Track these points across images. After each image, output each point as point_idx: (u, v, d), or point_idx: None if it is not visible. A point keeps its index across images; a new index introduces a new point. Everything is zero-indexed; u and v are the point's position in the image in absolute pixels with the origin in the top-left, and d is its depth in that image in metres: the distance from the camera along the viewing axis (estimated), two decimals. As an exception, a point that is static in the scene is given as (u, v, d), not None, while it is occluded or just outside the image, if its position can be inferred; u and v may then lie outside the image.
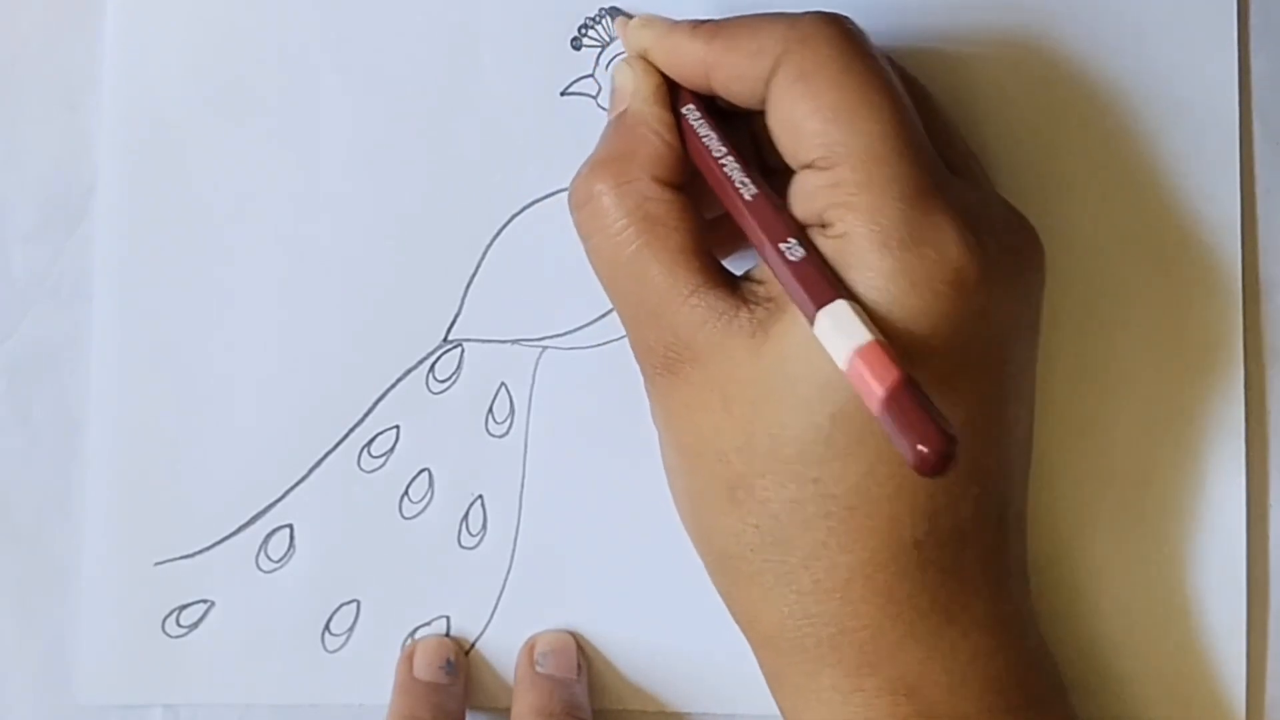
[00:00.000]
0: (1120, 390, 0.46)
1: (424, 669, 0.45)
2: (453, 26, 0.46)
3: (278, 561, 0.46)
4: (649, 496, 0.45)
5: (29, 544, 0.47)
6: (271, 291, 0.46)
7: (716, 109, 0.42)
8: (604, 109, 0.46)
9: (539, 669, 0.45)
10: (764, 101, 0.39)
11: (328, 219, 0.46)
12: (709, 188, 0.40)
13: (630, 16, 0.44)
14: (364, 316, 0.46)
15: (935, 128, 0.41)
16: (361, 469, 0.46)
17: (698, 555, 0.42)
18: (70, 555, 0.46)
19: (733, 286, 0.39)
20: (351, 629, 0.46)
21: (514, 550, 0.46)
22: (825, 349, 0.35)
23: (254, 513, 0.46)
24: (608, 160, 0.41)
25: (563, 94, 0.46)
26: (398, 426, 0.46)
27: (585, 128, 0.46)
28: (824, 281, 0.36)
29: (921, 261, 0.36)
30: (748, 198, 0.39)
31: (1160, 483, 0.46)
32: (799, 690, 0.40)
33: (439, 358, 0.46)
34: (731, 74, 0.40)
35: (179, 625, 0.46)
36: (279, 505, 0.46)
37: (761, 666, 0.42)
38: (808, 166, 0.38)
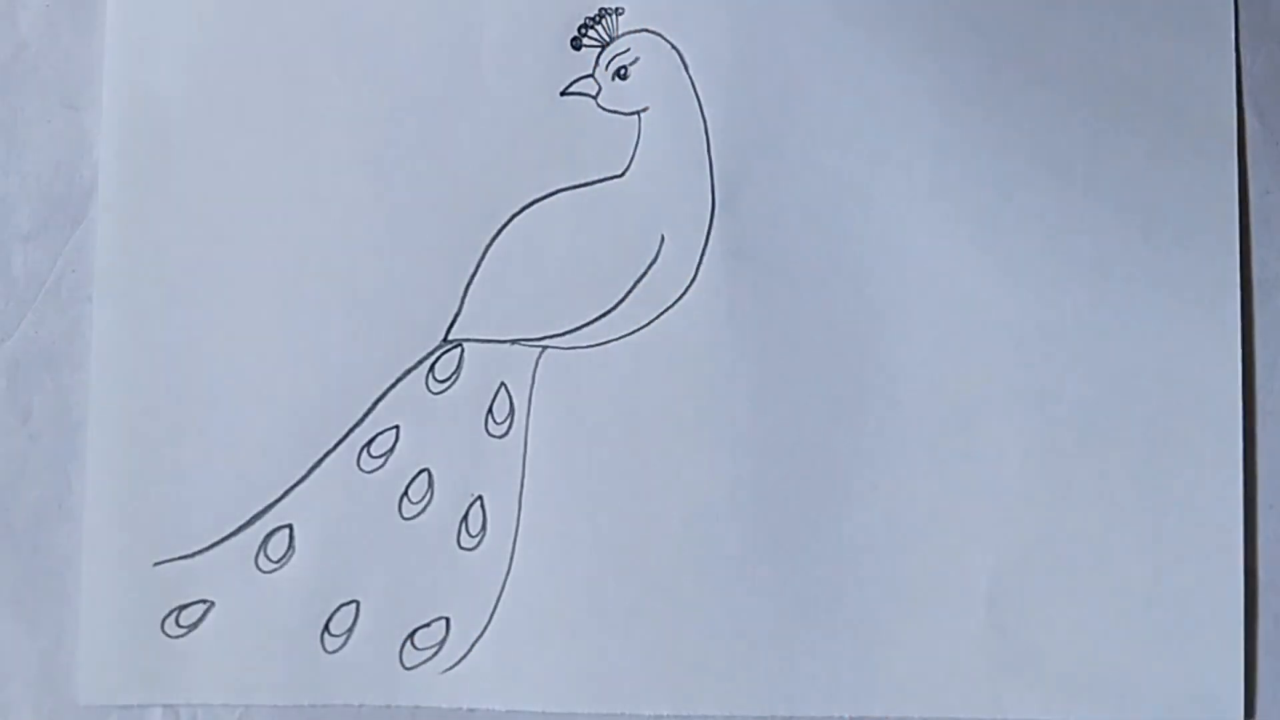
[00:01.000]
0: (1119, 389, 0.46)
1: None
2: (453, 27, 0.46)
3: (277, 562, 0.46)
4: (649, 496, 0.45)
5: (29, 544, 0.47)
6: (271, 292, 0.46)
7: None
8: (604, 108, 0.46)
9: None
10: None
11: (327, 219, 0.46)
12: None
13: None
14: (363, 317, 0.46)
15: None
16: (361, 469, 0.46)
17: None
18: (70, 555, 0.46)
19: None
20: (351, 629, 0.46)
21: (513, 550, 0.46)
22: None
23: (253, 513, 0.46)
24: None
25: (562, 94, 0.46)
26: (397, 427, 0.46)
27: (585, 127, 0.46)
28: None
29: None
30: None
31: (1159, 482, 0.46)
32: None
33: (439, 358, 0.46)
34: None
35: (179, 625, 0.46)
36: (278, 506, 0.46)
37: None
38: None
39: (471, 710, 0.46)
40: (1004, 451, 0.46)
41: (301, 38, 0.46)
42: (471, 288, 0.46)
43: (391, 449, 0.46)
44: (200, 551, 0.46)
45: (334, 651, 0.46)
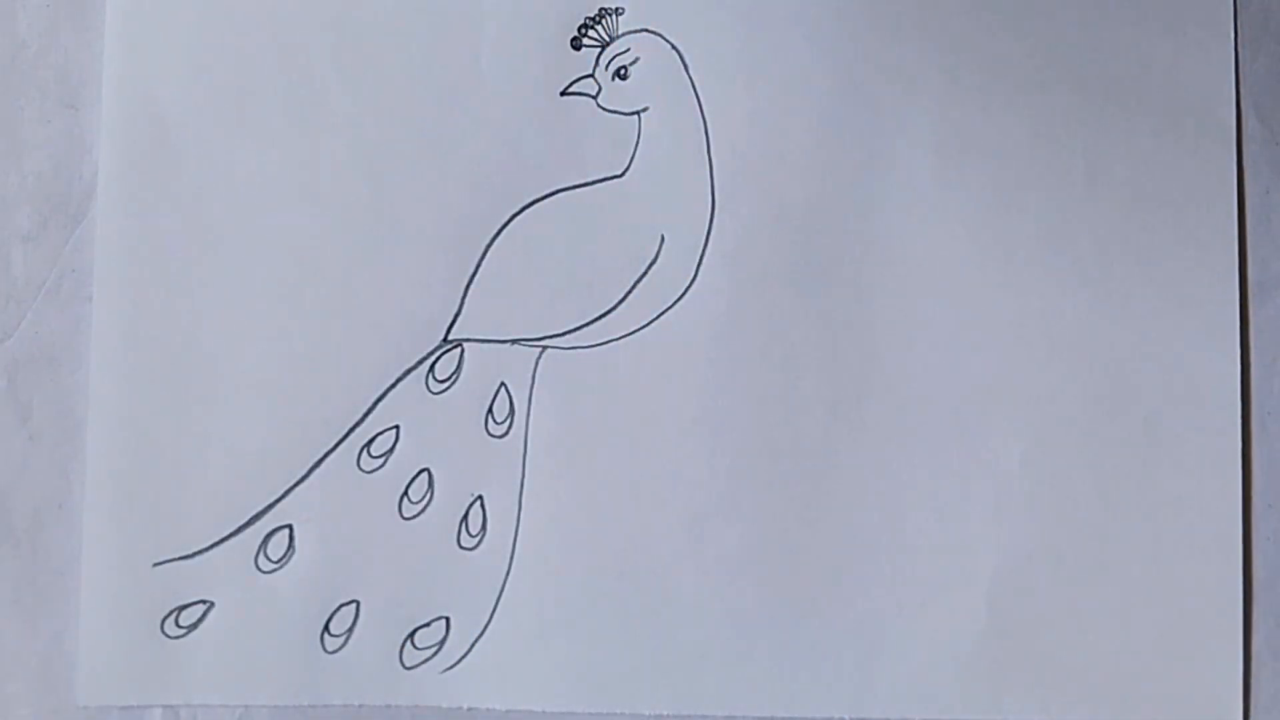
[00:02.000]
0: (1119, 389, 0.46)
1: None
2: (453, 26, 0.46)
3: (277, 562, 0.46)
4: (648, 496, 0.45)
5: (29, 544, 0.47)
6: (270, 291, 0.46)
7: None
8: (604, 108, 0.46)
9: None
10: None
11: (327, 219, 0.46)
12: None
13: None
14: (363, 317, 0.46)
15: None
16: (361, 469, 0.46)
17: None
18: (70, 556, 0.46)
19: None
20: (351, 629, 0.46)
21: (513, 550, 0.46)
22: None
23: (253, 513, 0.46)
24: None
25: (562, 94, 0.46)
26: (397, 427, 0.46)
27: (585, 127, 0.46)
28: None
29: None
30: None
31: (1158, 482, 0.46)
32: None
33: (439, 358, 0.46)
34: None
35: (178, 626, 0.46)
36: (278, 506, 0.46)
37: None
38: None
39: (471, 710, 0.46)
40: (1004, 451, 0.46)
41: (301, 37, 0.46)
42: (471, 288, 0.46)
43: (391, 449, 0.46)
44: (200, 552, 0.46)
45: (334, 651, 0.46)
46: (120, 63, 0.47)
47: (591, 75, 0.46)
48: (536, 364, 0.46)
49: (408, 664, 0.46)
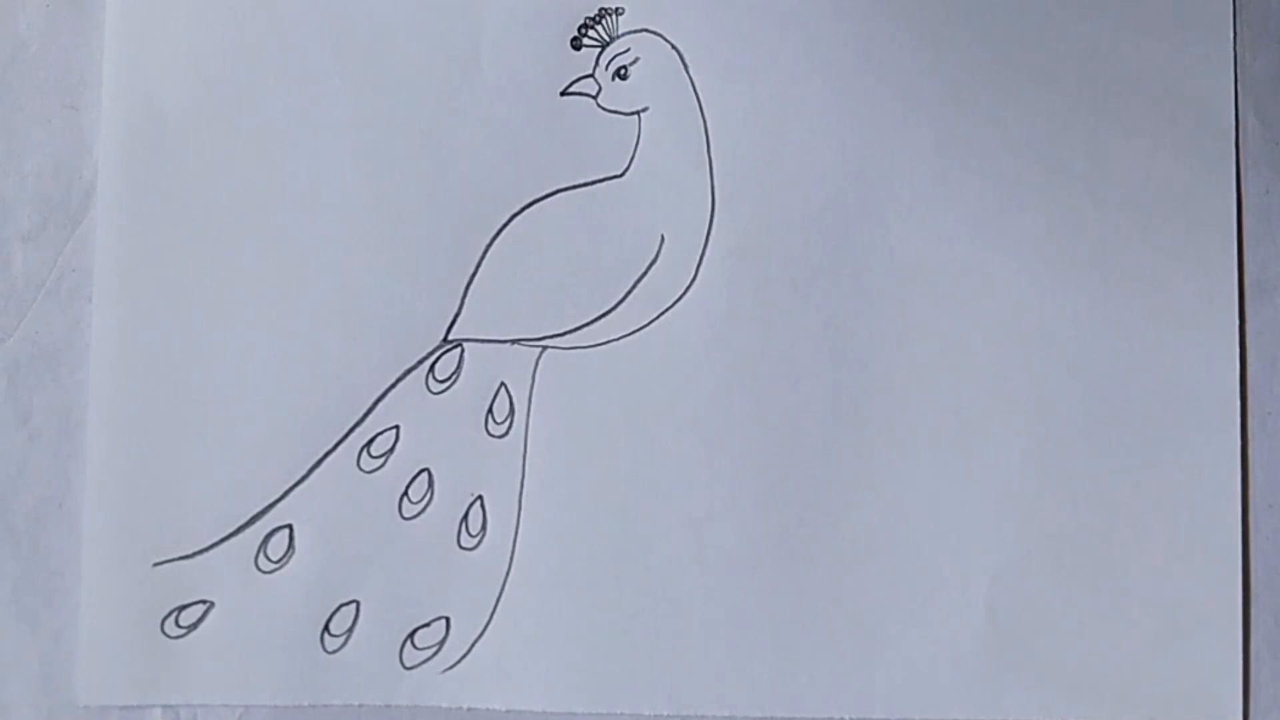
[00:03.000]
0: (1118, 389, 0.46)
1: None
2: (453, 26, 0.46)
3: (277, 562, 0.46)
4: (649, 496, 0.45)
5: (29, 544, 0.47)
6: (271, 291, 0.46)
7: None
8: (604, 108, 0.46)
9: None
10: None
11: (327, 219, 0.46)
12: None
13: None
14: (363, 317, 0.46)
15: None
16: (361, 469, 0.46)
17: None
18: (70, 556, 0.46)
19: None
20: (351, 629, 0.46)
21: (513, 550, 0.46)
22: None
23: (253, 513, 0.46)
24: None
25: (562, 94, 0.46)
26: (397, 427, 0.46)
27: (585, 127, 0.46)
28: None
29: None
30: None
31: (1157, 481, 0.46)
32: None
33: (439, 358, 0.46)
34: None
35: (178, 626, 0.46)
36: (278, 506, 0.46)
37: None
38: None
39: (471, 710, 0.46)
40: (1003, 451, 0.46)
41: (301, 37, 0.46)
42: (471, 288, 0.46)
43: (391, 449, 0.46)
44: (200, 552, 0.46)
45: (334, 651, 0.46)
46: (120, 63, 0.47)
47: (591, 75, 0.46)
48: (536, 364, 0.46)
49: (408, 664, 0.46)
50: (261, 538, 0.46)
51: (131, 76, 0.47)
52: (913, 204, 0.46)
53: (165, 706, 0.46)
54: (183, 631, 0.46)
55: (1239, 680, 0.46)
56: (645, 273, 0.46)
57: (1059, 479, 0.46)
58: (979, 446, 0.46)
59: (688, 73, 0.46)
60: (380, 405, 0.46)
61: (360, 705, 0.46)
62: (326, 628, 0.46)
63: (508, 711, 0.46)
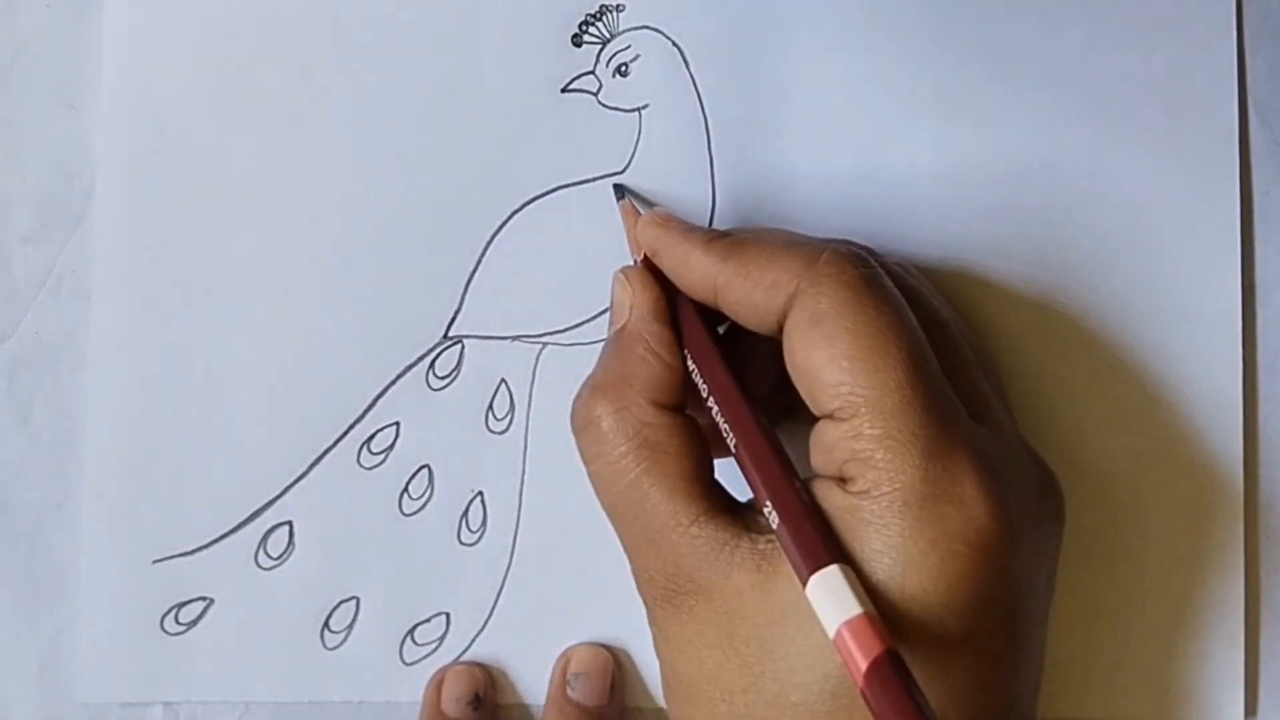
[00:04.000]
0: (1120, 388, 0.46)
1: (451, 704, 0.45)
2: (453, 23, 0.46)
3: (277, 559, 0.46)
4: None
5: (29, 543, 0.47)
6: (271, 289, 0.46)
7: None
8: (604, 105, 0.46)
9: (571, 692, 0.45)
10: (774, 332, 0.38)
11: (327, 216, 0.46)
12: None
13: (631, 197, 0.45)
14: (364, 313, 0.46)
15: (954, 365, 0.39)
16: (361, 466, 0.46)
17: None
18: (69, 553, 0.46)
19: (735, 514, 0.38)
20: (351, 626, 0.46)
21: (514, 547, 0.46)
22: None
23: (253, 510, 0.46)
24: (605, 383, 0.40)
25: (563, 90, 0.46)
26: (397, 423, 0.46)
27: (586, 124, 0.46)
28: (819, 542, 0.35)
29: (943, 522, 0.35)
30: (749, 444, 0.37)
31: (1161, 480, 0.46)
32: None
33: (439, 354, 0.46)
34: (742, 302, 0.39)
35: (178, 623, 0.46)
36: (278, 502, 0.46)
37: None
38: (826, 415, 0.37)
39: (473, 707, 0.46)
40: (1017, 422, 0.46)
41: (301, 36, 0.46)
42: (472, 284, 0.46)
43: (392, 445, 0.46)
44: (200, 549, 0.46)
45: (334, 648, 0.46)
46: (120, 63, 0.47)
47: (592, 72, 0.46)
48: (537, 360, 0.46)
49: (408, 660, 0.46)
50: (261, 534, 0.46)
51: (131, 76, 0.47)
52: (912, 203, 0.46)
53: (165, 703, 0.46)
54: (183, 628, 0.46)
55: (1241, 679, 0.46)
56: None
57: (1061, 478, 0.46)
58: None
59: (688, 70, 0.46)
60: (380, 402, 0.46)
61: (360, 701, 0.46)
62: (327, 624, 0.46)
63: (508, 706, 0.46)
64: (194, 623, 0.46)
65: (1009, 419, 0.41)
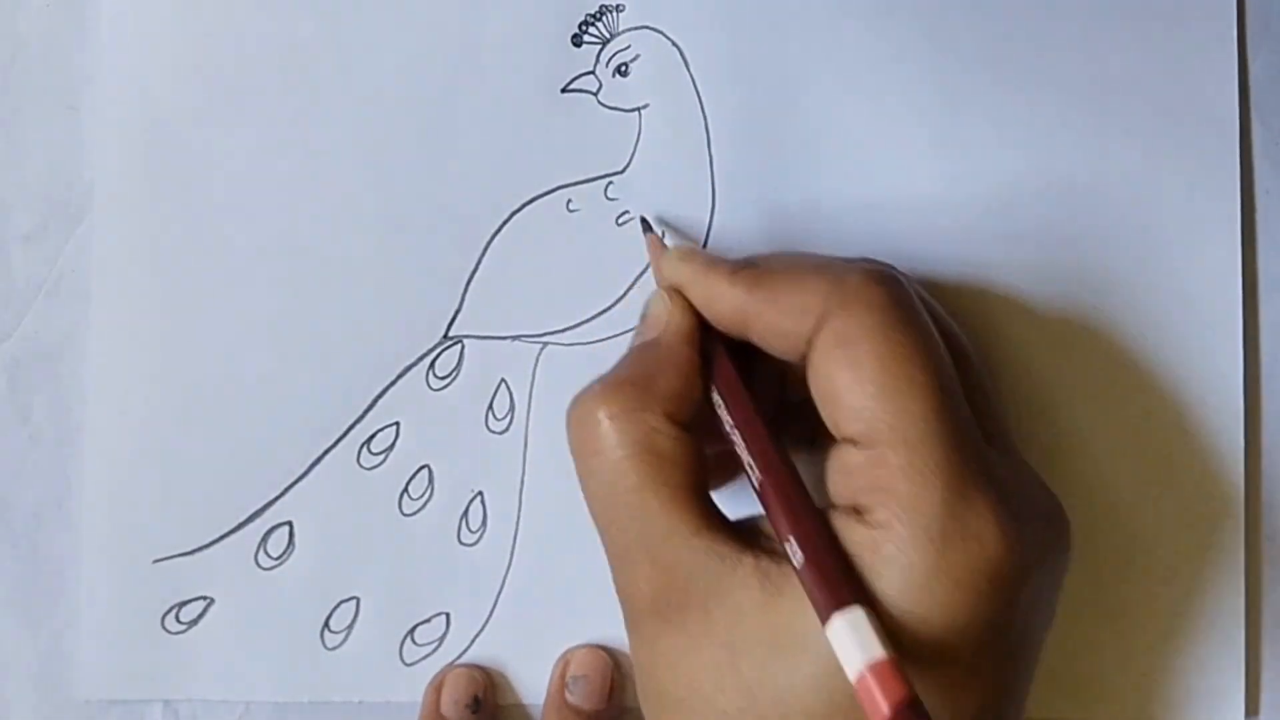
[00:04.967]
0: (1121, 390, 0.46)
1: (450, 706, 0.45)
2: (453, 23, 0.46)
3: (277, 559, 0.46)
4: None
5: (29, 542, 0.47)
6: (271, 289, 0.46)
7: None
8: (604, 105, 0.46)
9: (570, 695, 0.45)
10: (803, 357, 0.38)
11: (327, 217, 0.46)
12: (723, 436, 0.39)
13: (659, 232, 0.45)
14: (364, 313, 0.46)
15: (973, 393, 0.39)
16: (361, 466, 0.46)
17: None
18: (70, 552, 0.46)
19: (736, 530, 0.38)
20: (351, 626, 0.46)
21: (514, 547, 0.46)
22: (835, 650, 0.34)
23: (253, 510, 0.46)
24: (624, 383, 0.39)
25: (563, 90, 0.46)
26: (397, 423, 0.46)
27: (586, 124, 0.46)
28: (842, 582, 0.34)
29: (963, 556, 0.35)
30: (775, 478, 0.37)
31: (1162, 481, 0.46)
32: None
33: (439, 354, 0.46)
34: (772, 329, 0.38)
35: (178, 622, 0.46)
36: (278, 502, 0.46)
37: None
38: (848, 440, 0.37)
39: (472, 707, 0.46)
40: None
41: (300, 35, 0.46)
42: (472, 284, 0.46)
43: (392, 446, 0.46)
44: (200, 548, 0.46)
45: (334, 648, 0.46)
46: (120, 63, 0.47)
47: (592, 72, 0.46)
48: (537, 360, 0.46)
49: (408, 660, 0.46)
50: (261, 534, 0.46)
51: (130, 76, 0.47)
52: (912, 203, 0.46)
53: (166, 702, 0.46)
54: (183, 627, 0.46)
55: (1242, 679, 0.46)
56: (646, 269, 0.46)
57: (1061, 477, 0.46)
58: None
59: (688, 70, 0.46)
60: (380, 402, 0.46)
61: (360, 701, 0.46)
62: (327, 624, 0.46)
63: (507, 706, 0.46)
64: (194, 622, 0.46)
65: (1014, 445, 0.41)
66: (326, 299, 0.46)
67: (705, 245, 0.46)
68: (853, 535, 0.36)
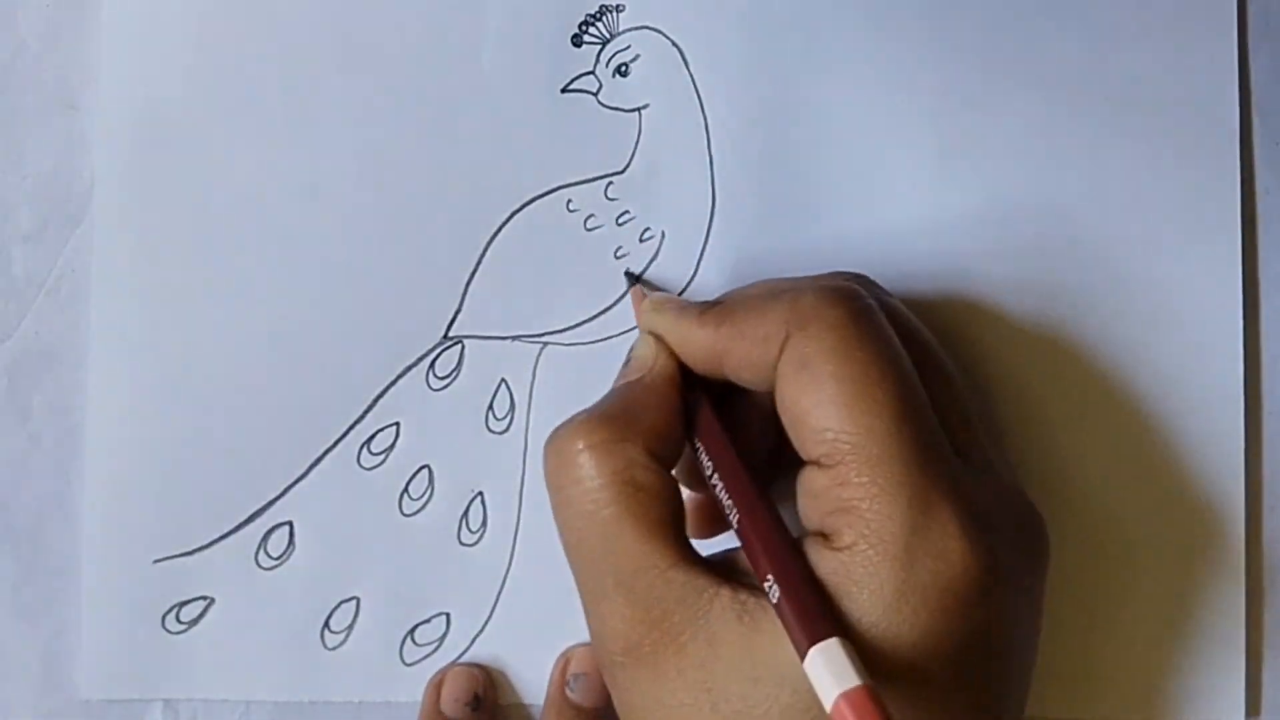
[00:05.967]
0: (1121, 389, 0.46)
1: (450, 704, 0.45)
2: (454, 23, 0.46)
3: (277, 559, 0.46)
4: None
5: (29, 542, 0.47)
6: (271, 289, 0.46)
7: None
8: (604, 105, 0.46)
9: (570, 693, 0.45)
10: (774, 386, 0.38)
11: (327, 217, 0.46)
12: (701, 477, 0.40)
13: (641, 282, 0.45)
14: (364, 314, 0.46)
15: (946, 404, 0.39)
16: (361, 466, 0.46)
17: None
18: (70, 553, 0.46)
19: (711, 564, 0.37)
20: (351, 626, 0.46)
21: (514, 547, 0.46)
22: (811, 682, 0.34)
23: (253, 510, 0.46)
24: (606, 416, 0.39)
25: (563, 91, 0.46)
26: (398, 423, 0.46)
27: (586, 124, 0.46)
28: (818, 616, 0.34)
29: (930, 574, 0.35)
30: (753, 516, 0.37)
31: (1162, 480, 0.46)
32: None
33: (439, 354, 0.46)
34: (743, 362, 0.38)
35: (179, 622, 0.46)
36: (279, 502, 0.46)
37: None
38: (813, 462, 0.37)
39: (472, 706, 0.46)
40: (1007, 451, 0.46)
41: (301, 35, 0.46)
42: (472, 284, 0.46)
43: (392, 446, 0.46)
44: (200, 548, 0.46)
45: (334, 648, 0.46)
46: (120, 63, 0.47)
47: (592, 72, 0.46)
48: (537, 360, 0.46)
49: (408, 660, 0.46)
50: (262, 534, 0.46)
51: (131, 76, 0.47)
52: (913, 203, 0.46)
53: (166, 701, 0.46)
54: (183, 627, 0.46)
55: (1242, 679, 0.46)
56: (645, 269, 0.46)
57: (1060, 479, 0.46)
58: (980, 444, 0.46)
59: (688, 70, 0.46)
60: (380, 402, 0.46)
61: (360, 702, 0.46)
62: (327, 624, 0.46)
63: (507, 706, 0.46)
64: (195, 622, 0.46)
65: (997, 452, 0.41)
66: (326, 299, 0.46)
67: (705, 243, 0.46)
68: (824, 562, 0.36)
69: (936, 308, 0.46)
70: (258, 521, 0.46)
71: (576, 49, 0.46)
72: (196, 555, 0.46)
